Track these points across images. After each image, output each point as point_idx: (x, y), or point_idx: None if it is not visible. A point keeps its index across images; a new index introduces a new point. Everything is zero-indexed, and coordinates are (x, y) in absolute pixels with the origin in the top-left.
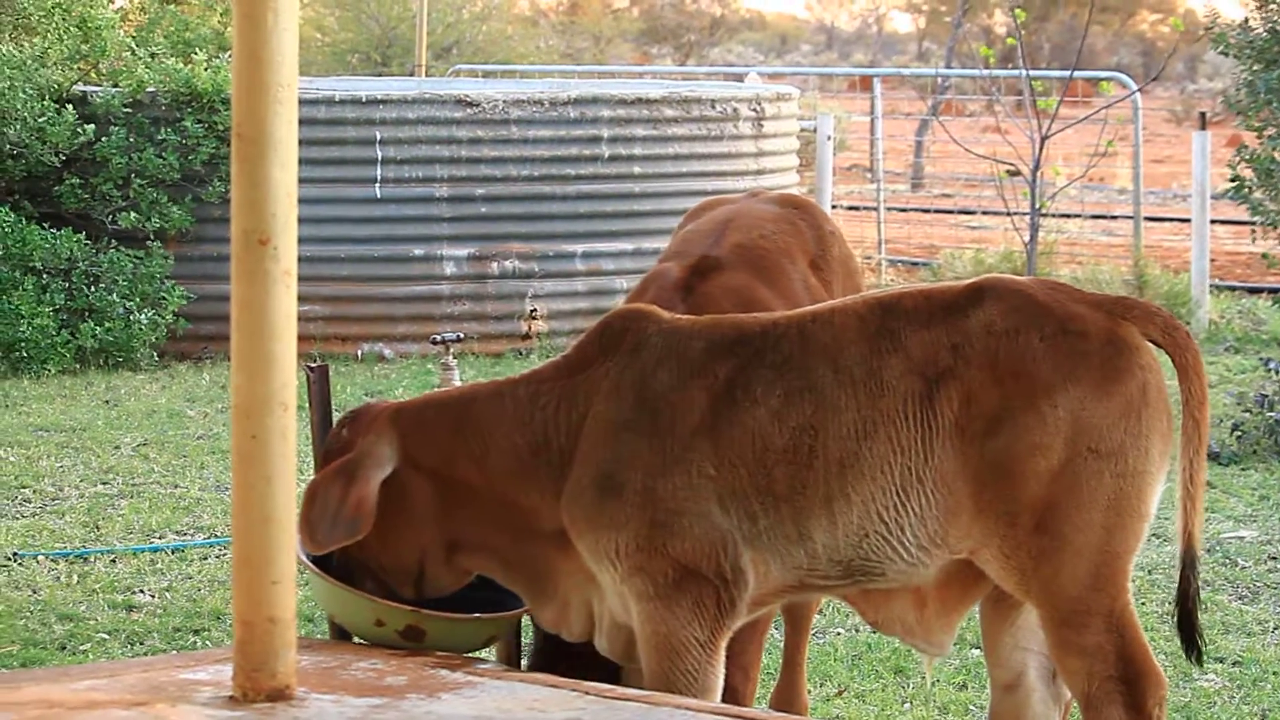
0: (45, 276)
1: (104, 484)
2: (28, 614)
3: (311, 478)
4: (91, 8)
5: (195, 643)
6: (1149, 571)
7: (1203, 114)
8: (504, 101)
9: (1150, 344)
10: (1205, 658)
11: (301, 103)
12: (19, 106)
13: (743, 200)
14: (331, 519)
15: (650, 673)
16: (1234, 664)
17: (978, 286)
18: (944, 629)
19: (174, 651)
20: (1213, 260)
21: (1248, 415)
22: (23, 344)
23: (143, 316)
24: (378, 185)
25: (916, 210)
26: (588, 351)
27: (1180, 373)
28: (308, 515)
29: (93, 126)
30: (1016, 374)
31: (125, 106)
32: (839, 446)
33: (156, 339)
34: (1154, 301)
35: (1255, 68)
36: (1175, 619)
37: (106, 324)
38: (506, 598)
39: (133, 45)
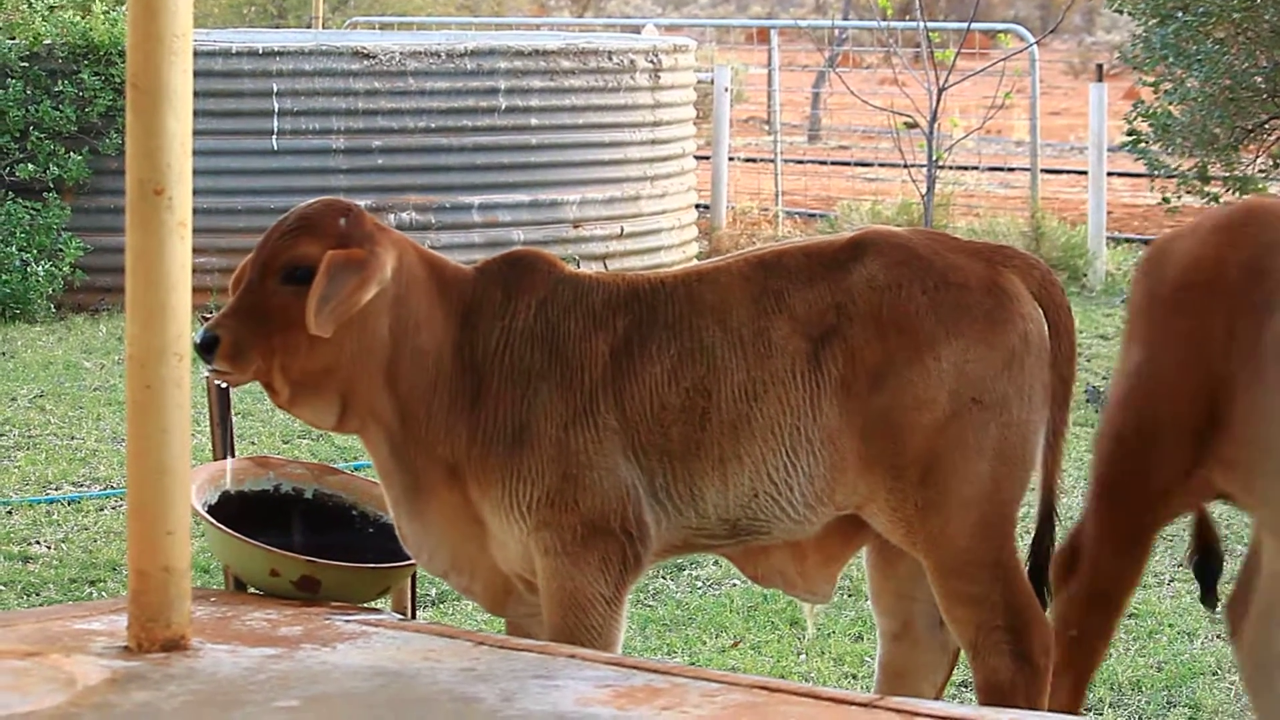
0: None
1: (0, 436)
2: None
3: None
4: None
5: (91, 593)
6: None
7: (1099, 66)
8: (401, 53)
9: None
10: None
11: (198, 54)
12: None
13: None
14: (332, 305)
15: (553, 627)
16: (1130, 616)
17: (857, 241)
18: (826, 579)
19: (70, 602)
20: (1110, 212)
21: None
22: None
23: (40, 268)
24: (274, 137)
25: (813, 162)
26: (500, 274)
27: (1051, 329)
28: (322, 289)
29: None
30: (900, 329)
31: (22, 59)
32: (730, 408)
33: (53, 291)
34: (1052, 253)
35: (1150, 22)
36: (1028, 570)
37: (3, 276)
38: (400, 548)
39: None
